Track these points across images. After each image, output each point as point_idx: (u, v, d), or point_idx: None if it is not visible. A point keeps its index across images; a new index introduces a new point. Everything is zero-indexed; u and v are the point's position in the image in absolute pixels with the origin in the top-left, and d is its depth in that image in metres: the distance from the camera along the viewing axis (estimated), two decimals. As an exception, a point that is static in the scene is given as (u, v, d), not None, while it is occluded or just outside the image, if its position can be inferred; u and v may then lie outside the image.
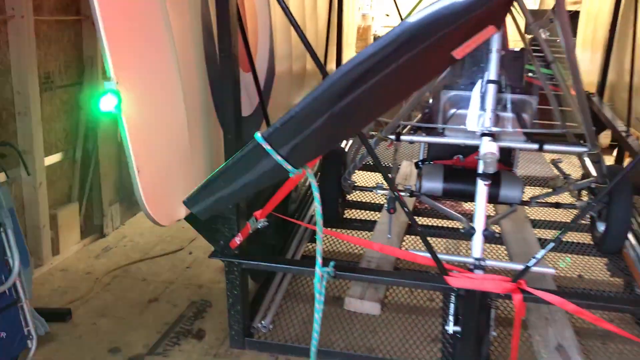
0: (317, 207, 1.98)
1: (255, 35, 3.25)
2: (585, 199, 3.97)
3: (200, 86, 2.58)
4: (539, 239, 4.20)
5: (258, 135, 1.68)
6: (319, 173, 4.35)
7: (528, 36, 4.38)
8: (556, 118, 3.96)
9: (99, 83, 4.96)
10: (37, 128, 4.20)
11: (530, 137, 3.16)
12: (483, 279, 2.54)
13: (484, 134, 2.84)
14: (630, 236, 4.05)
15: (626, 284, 3.93)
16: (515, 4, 3.27)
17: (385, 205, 3.83)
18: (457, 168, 3.74)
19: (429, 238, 4.22)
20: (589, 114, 3.02)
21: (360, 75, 1.58)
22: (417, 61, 1.56)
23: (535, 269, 2.67)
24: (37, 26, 4.14)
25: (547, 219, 4.67)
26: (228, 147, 2.62)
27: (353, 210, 4.80)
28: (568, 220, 4.59)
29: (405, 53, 1.53)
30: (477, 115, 2.93)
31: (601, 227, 3.86)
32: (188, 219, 2.63)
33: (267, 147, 1.69)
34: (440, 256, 2.66)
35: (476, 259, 2.70)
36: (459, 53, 1.57)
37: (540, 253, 2.50)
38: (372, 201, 4.93)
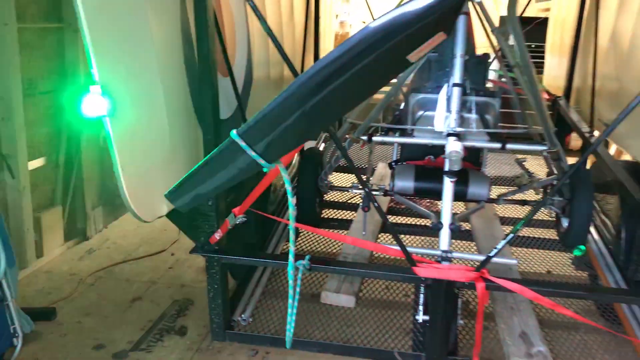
0: (289, 199, 2.13)
1: (233, 42, 3.39)
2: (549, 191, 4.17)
3: (180, 90, 2.72)
4: (506, 235, 4.40)
5: (234, 132, 1.84)
6: (297, 174, 4.51)
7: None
8: (522, 119, 4.16)
9: (82, 89, 5.08)
10: (20, 133, 4.30)
11: (493, 137, 3.35)
12: (449, 269, 2.71)
13: (449, 134, 3.01)
14: (592, 231, 4.27)
15: (591, 277, 4.14)
16: (479, 10, 3.47)
17: (361, 204, 3.99)
18: (428, 168, 3.90)
19: (404, 235, 4.42)
20: (546, 114, 3.21)
21: (327, 76, 1.74)
22: (376, 64, 1.73)
23: (498, 259, 2.85)
24: (20, 33, 4.25)
25: (515, 216, 4.88)
26: (207, 148, 2.77)
27: (330, 210, 4.96)
28: (534, 217, 4.80)
29: (366, 56, 1.70)
30: (443, 117, 3.10)
31: (565, 222, 4.06)
32: (169, 216, 2.76)
33: (242, 143, 1.85)
34: (409, 249, 2.83)
35: (443, 251, 2.87)
36: (413, 57, 1.74)
37: (500, 244, 2.67)
38: (349, 201, 5.10)
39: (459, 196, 3.75)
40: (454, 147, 2.88)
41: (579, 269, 4.26)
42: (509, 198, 4.11)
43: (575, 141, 6.80)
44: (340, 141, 4.00)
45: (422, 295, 2.94)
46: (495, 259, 2.79)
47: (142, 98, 2.40)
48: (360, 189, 4.05)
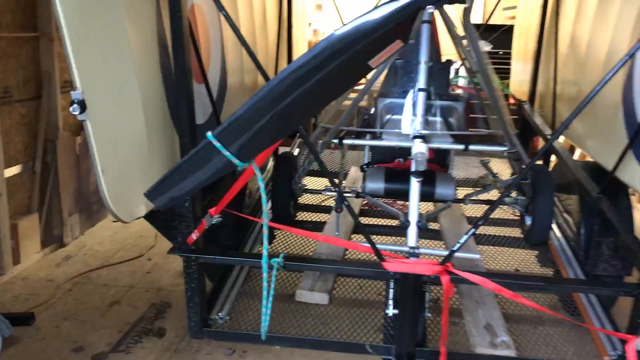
0: (262, 197, 2.26)
1: (207, 49, 3.51)
2: (514, 195, 4.36)
3: (157, 95, 2.82)
4: (474, 234, 4.57)
5: (209, 133, 1.96)
6: (272, 178, 4.63)
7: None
8: (485, 122, 4.35)
9: (57, 97, 5.14)
10: (-4, 141, 4.35)
11: (458, 139, 3.51)
12: (415, 264, 2.85)
13: (415, 137, 3.15)
14: (555, 228, 4.48)
15: (555, 273, 4.33)
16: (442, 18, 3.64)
17: (334, 206, 4.13)
18: (397, 170, 4.06)
19: (375, 235, 4.56)
20: (505, 117, 3.39)
21: (295, 80, 1.88)
22: (340, 69, 1.87)
23: (462, 254, 3.00)
24: (-4, 42, 4.33)
25: (480, 214, 5.05)
26: (183, 151, 2.87)
27: (304, 212, 5.09)
28: (499, 216, 5.00)
29: (331, 62, 1.84)
30: (409, 120, 3.24)
31: (528, 221, 4.25)
32: (147, 217, 2.86)
33: (217, 144, 1.97)
34: (379, 246, 2.96)
35: (411, 248, 3.00)
36: (373, 62, 1.89)
37: (463, 238, 2.82)
38: (322, 204, 5.24)
39: (426, 196, 3.92)
40: (419, 148, 3.01)
41: (544, 265, 4.45)
42: (475, 198, 4.29)
43: (542, 143, 7.03)
44: (313, 145, 4.14)
45: (391, 290, 3.07)
46: (459, 254, 2.94)
47: (120, 103, 2.50)
48: (333, 191, 4.19)
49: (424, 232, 4.54)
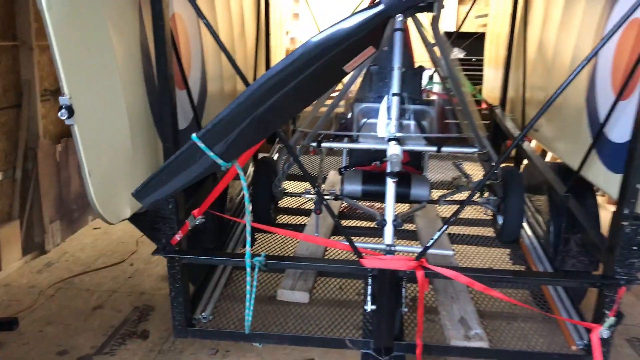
0: (245, 195, 2.38)
1: (188, 57, 3.61)
2: (486, 195, 4.53)
3: (140, 101, 2.92)
4: (449, 234, 4.74)
5: (194, 135, 2.07)
6: (252, 182, 4.74)
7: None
8: (460, 126, 4.51)
9: (37, 105, 5.19)
10: (-22, 149, 4.39)
11: (430, 141, 3.66)
12: (392, 260, 2.98)
13: (390, 139, 3.29)
14: (526, 227, 4.65)
15: (527, 269, 4.49)
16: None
17: (313, 208, 4.24)
18: (374, 172, 4.20)
19: (354, 237, 4.68)
20: (475, 120, 3.55)
21: (274, 84, 2.01)
22: (317, 73, 2.00)
23: (436, 251, 3.14)
24: (-25, 52, 4.37)
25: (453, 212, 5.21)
26: (167, 155, 2.97)
27: (284, 215, 5.20)
28: (473, 217, 5.17)
29: (308, 67, 1.97)
30: (384, 124, 3.38)
31: (500, 220, 4.42)
32: (132, 219, 2.94)
33: (201, 145, 2.09)
34: (357, 244, 3.09)
35: (387, 245, 3.13)
36: (348, 67, 2.02)
37: (437, 235, 2.96)
38: (302, 207, 5.36)
39: (402, 197, 4.07)
40: (394, 150, 3.15)
41: (516, 262, 4.61)
42: (448, 199, 4.44)
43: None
44: (296, 144, 4.27)
45: (369, 287, 3.20)
46: (433, 251, 3.08)
47: (106, 108, 2.59)
48: (312, 194, 4.31)
49: (401, 233, 4.71)
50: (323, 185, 5.35)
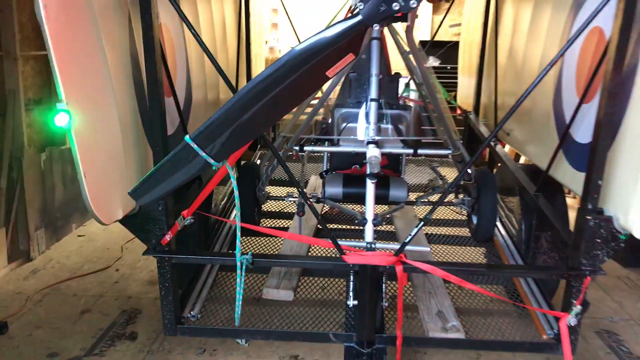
0: (235, 192, 2.52)
1: (174, 66, 3.76)
2: (461, 196, 4.73)
3: (131, 107, 3.05)
4: (426, 234, 4.94)
5: (187, 137, 2.22)
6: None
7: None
8: (436, 131, 4.71)
9: (21, 115, 5.26)
10: (-36, 157, 4.45)
11: (407, 144, 3.85)
12: (372, 255, 3.14)
13: (369, 142, 3.46)
14: (499, 226, 4.86)
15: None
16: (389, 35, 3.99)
17: (296, 210, 4.40)
18: (354, 175, 4.37)
19: (337, 238, 4.83)
20: (449, 124, 3.75)
21: (263, 88, 2.17)
22: (302, 78, 2.17)
23: (413, 247, 3.31)
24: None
25: (433, 216, 5.40)
26: (156, 159, 3.10)
27: (268, 219, 5.35)
28: (449, 217, 5.37)
29: (294, 72, 2.14)
30: (363, 128, 3.56)
31: (475, 219, 4.62)
32: (123, 221, 3.07)
33: (194, 145, 2.24)
34: (339, 242, 3.24)
35: (368, 243, 3.30)
36: (330, 73, 2.19)
37: (414, 231, 3.13)
38: (284, 210, 5.51)
39: (381, 199, 4.25)
40: (373, 152, 3.32)
41: (491, 260, 4.81)
42: (425, 200, 4.64)
43: (488, 151, 7.48)
44: (279, 149, 4.43)
45: (351, 283, 3.36)
46: (411, 247, 3.25)
47: (99, 114, 2.73)
48: (295, 197, 4.47)
49: (381, 233, 4.87)
50: (305, 189, 5.51)
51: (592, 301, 4.76)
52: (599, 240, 3.04)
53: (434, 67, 5.75)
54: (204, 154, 2.27)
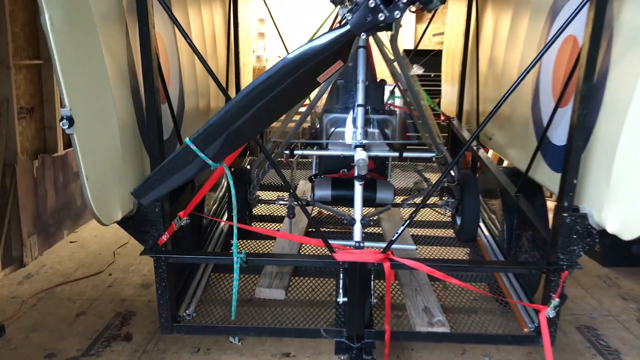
0: (232, 192, 2.67)
1: (167, 74, 3.89)
2: (445, 198, 4.90)
3: (129, 113, 3.18)
4: (412, 235, 5.10)
5: (187, 139, 2.37)
6: (227, 191, 5.01)
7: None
8: (420, 137, 4.88)
9: (14, 123, 5.36)
10: (-41, 163, 4.53)
11: (393, 147, 4.02)
12: (361, 253, 3.30)
13: (357, 146, 3.62)
14: (482, 226, 5.04)
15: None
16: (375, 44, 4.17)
17: (286, 213, 4.54)
18: (342, 179, 4.52)
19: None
20: (432, 128, 3.92)
21: (258, 93, 2.33)
22: (295, 83, 2.33)
23: (400, 246, 3.47)
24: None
25: (418, 218, 5.58)
26: (153, 163, 3.23)
27: (259, 222, 5.48)
28: (434, 219, 5.54)
29: (287, 78, 2.30)
30: (351, 132, 3.72)
31: (458, 220, 4.79)
32: (121, 222, 3.19)
33: (194, 147, 2.39)
34: (330, 241, 3.39)
35: (357, 242, 3.45)
36: (321, 78, 2.36)
37: (400, 229, 3.29)
38: (274, 213, 5.64)
39: (369, 201, 4.40)
40: (360, 155, 3.48)
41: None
42: (411, 202, 4.80)
43: (471, 156, 7.68)
44: (269, 154, 4.57)
45: (341, 280, 3.51)
46: (398, 246, 3.41)
47: (100, 119, 2.86)
48: (285, 200, 4.61)
49: (369, 235, 5.03)
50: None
51: (572, 298, 4.97)
52: (575, 236, 3.21)
53: (418, 75, 5.94)
54: (202, 155, 2.42)
